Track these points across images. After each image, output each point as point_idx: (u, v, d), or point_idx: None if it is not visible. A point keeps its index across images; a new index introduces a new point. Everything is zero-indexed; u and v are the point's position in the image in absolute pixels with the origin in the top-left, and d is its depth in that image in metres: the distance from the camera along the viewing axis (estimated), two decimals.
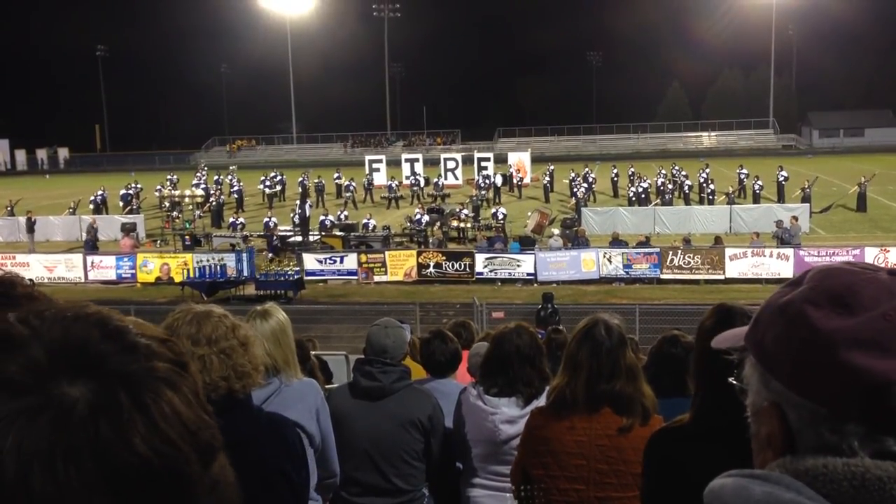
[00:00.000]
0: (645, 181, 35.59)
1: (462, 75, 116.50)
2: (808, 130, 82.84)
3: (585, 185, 35.64)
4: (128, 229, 28.06)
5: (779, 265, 20.96)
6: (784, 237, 22.55)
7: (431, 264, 22.57)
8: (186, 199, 28.90)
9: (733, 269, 21.34)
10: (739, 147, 75.77)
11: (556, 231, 25.02)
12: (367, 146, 79.97)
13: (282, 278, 20.77)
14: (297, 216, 27.97)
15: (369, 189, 39.65)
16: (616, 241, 23.09)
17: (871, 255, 20.68)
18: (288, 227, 27.83)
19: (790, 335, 0.83)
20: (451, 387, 4.42)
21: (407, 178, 41.47)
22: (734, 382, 0.94)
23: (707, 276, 21.44)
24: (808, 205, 29.35)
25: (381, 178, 42.53)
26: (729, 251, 21.71)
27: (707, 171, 36.29)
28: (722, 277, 21.30)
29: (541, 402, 3.51)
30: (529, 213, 29.54)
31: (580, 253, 22.31)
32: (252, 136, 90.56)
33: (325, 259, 23.40)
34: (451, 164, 45.34)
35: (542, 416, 3.19)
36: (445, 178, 42.10)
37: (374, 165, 44.66)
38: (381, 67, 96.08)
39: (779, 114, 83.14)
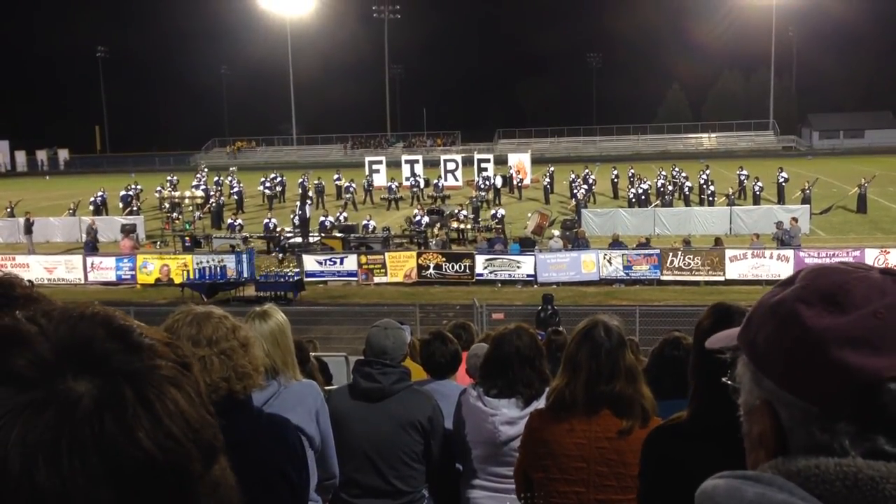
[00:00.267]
0: (645, 182, 35.59)
1: (462, 76, 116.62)
2: (809, 132, 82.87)
3: (585, 186, 35.61)
4: (128, 230, 28.05)
5: (779, 266, 20.92)
6: (784, 238, 22.53)
7: (431, 265, 22.57)
8: (186, 201, 28.92)
9: (733, 271, 21.34)
10: (739, 148, 75.71)
11: (556, 232, 24.98)
12: (367, 147, 79.90)
13: (282, 279, 20.80)
14: (297, 217, 27.96)
15: (369, 190, 39.65)
16: (616, 243, 23.07)
17: (872, 257, 20.64)
18: (288, 229, 27.84)
19: (782, 334, 0.83)
20: (450, 388, 4.42)
21: (407, 179, 41.43)
22: (727, 382, 0.94)
23: (707, 278, 21.43)
24: (808, 206, 29.30)
25: (380, 180, 42.52)
26: (729, 252, 21.70)
27: (707, 172, 36.23)
28: (722, 279, 21.30)
29: (541, 403, 3.50)
30: (529, 215, 29.53)
31: (580, 254, 22.31)
32: (252, 137, 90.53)
33: (325, 260, 23.39)
34: (451, 166, 45.29)
35: (541, 418, 3.18)
36: (445, 180, 42.08)
37: (374, 167, 44.61)
38: (381, 69, 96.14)
39: (779, 115, 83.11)
